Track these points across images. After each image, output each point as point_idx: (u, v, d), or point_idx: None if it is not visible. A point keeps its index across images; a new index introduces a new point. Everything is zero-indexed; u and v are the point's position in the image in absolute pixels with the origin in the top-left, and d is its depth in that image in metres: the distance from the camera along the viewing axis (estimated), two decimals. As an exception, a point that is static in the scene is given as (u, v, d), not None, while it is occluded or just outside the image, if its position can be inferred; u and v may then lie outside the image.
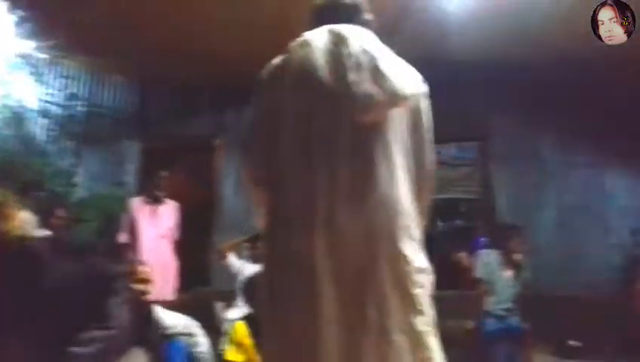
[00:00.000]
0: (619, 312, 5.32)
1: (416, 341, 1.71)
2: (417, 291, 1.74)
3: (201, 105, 7.08)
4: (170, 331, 3.34)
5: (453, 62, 6.15)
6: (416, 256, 1.78)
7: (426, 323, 1.74)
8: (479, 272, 5.04)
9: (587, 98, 6.33)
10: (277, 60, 1.93)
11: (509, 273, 5.01)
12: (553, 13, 5.24)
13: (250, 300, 3.15)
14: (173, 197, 5.40)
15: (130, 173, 6.92)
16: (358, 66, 1.77)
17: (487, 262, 5.06)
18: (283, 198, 1.79)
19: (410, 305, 1.72)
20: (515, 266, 5.01)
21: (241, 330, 3.13)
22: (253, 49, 5.78)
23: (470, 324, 5.03)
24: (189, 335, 3.44)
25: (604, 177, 6.66)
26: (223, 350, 4.65)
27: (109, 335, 2.70)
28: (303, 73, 1.82)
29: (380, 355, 1.67)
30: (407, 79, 1.82)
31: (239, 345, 3.10)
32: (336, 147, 1.75)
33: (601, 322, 5.27)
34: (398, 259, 1.73)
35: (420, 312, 1.73)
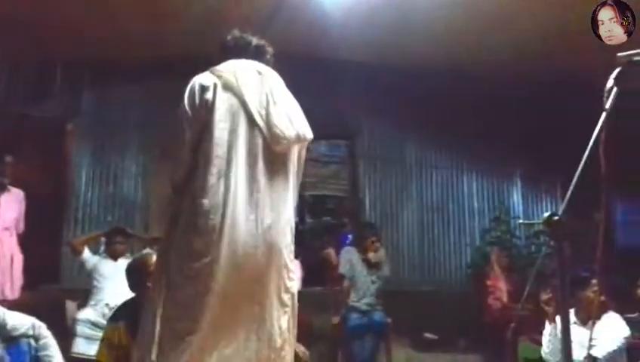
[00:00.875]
0: (472, 307, 5.71)
1: (282, 338, 2.14)
2: (289, 296, 2.18)
3: (54, 84, 6.45)
4: (13, 333, 3.07)
5: (328, 60, 6.21)
6: (292, 267, 2.22)
7: (290, 323, 2.19)
8: (342, 268, 5.19)
9: (451, 105, 6.72)
10: (206, 80, 2.13)
11: (370, 269, 5.16)
12: (434, 18, 5.43)
13: (134, 286, 2.96)
14: (18, 184, 5.11)
15: (-32, 157, 6.17)
16: (275, 104, 2.14)
17: (349, 258, 5.22)
18: (197, 204, 2.03)
19: (283, 305, 2.16)
20: (376, 263, 5.18)
21: (121, 330, 2.85)
22: (115, 27, 5.46)
23: (336, 319, 5.13)
24: (35, 337, 3.14)
25: (461, 180, 7.15)
26: (74, 353, 4.27)
27: None
28: (232, 98, 2.11)
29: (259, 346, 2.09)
30: (305, 121, 2.23)
31: (117, 348, 2.79)
32: (251, 165, 2.09)
33: (455, 316, 5.62)
34: (282, 270, 2.15)
35: (287, 313, 2.17)
